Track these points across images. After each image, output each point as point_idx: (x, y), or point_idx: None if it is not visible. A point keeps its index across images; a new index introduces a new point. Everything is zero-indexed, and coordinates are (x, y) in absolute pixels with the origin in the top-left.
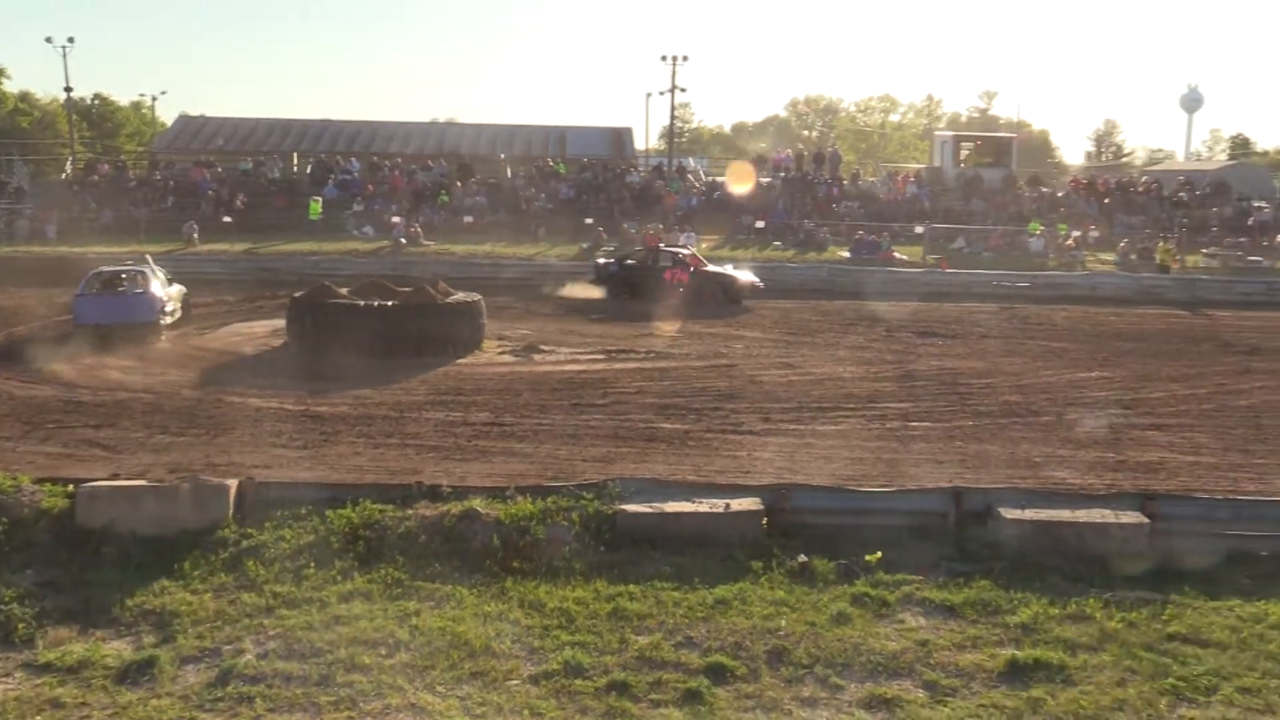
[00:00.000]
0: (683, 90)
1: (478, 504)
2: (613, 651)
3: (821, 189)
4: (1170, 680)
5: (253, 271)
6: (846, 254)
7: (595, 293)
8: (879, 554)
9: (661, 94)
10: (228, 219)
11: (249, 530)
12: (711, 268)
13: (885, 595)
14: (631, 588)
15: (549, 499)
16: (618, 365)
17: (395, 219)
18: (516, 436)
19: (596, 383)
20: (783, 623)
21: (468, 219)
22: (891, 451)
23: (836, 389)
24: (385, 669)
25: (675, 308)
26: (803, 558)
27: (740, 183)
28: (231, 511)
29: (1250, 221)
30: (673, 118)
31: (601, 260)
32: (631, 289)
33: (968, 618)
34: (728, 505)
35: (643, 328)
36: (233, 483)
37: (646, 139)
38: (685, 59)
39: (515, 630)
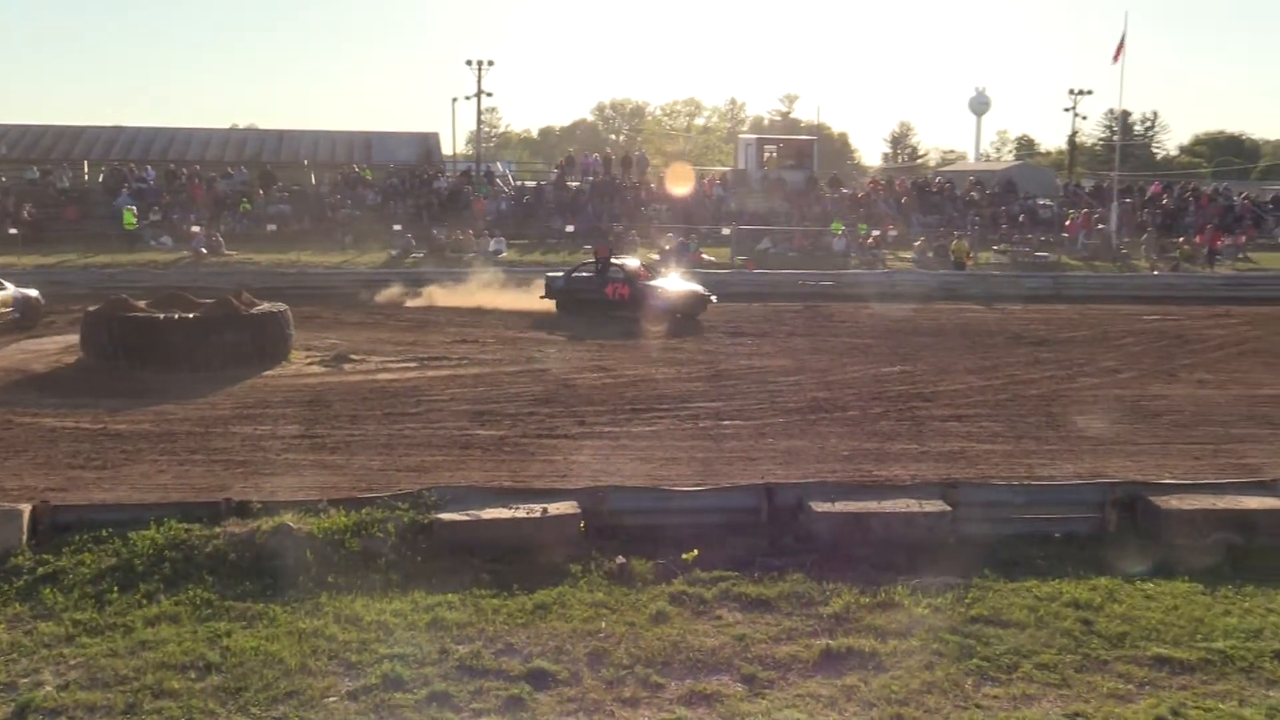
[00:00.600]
0: (489, 95)
1: (289, 519)
2: (433, 662)
3: (629, 192)
4: (975, 661)
5: (43, 286)
6: (656, 257)
7: (537, 305)
8: (695, 552)
9: (468, 99)
10: (13, 230)
11: (45, 556)
12: (656, 281)
13: (703, 593)
14: (450, 597)
15: (363, 511)
16: (430, 373)
17: (195, 228)
18: (328, 448)
19: (409, 391)
20: (603, 624)
21: (271, 227)
22: (705, 450)
23: (649, 390)
24: (195, 693)
25: (621, 326)
26: (621, 559)
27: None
28: (26, 538)
29: (1020, 218)
30: (480, 123)
31: (551, 273)
32: (579, 304)
33: (783, 610)
34: (545, 510)
35: (459, 334)
36: (26, 507)
37: (454, 144)
38: (491, 64)
39: (331, 646)
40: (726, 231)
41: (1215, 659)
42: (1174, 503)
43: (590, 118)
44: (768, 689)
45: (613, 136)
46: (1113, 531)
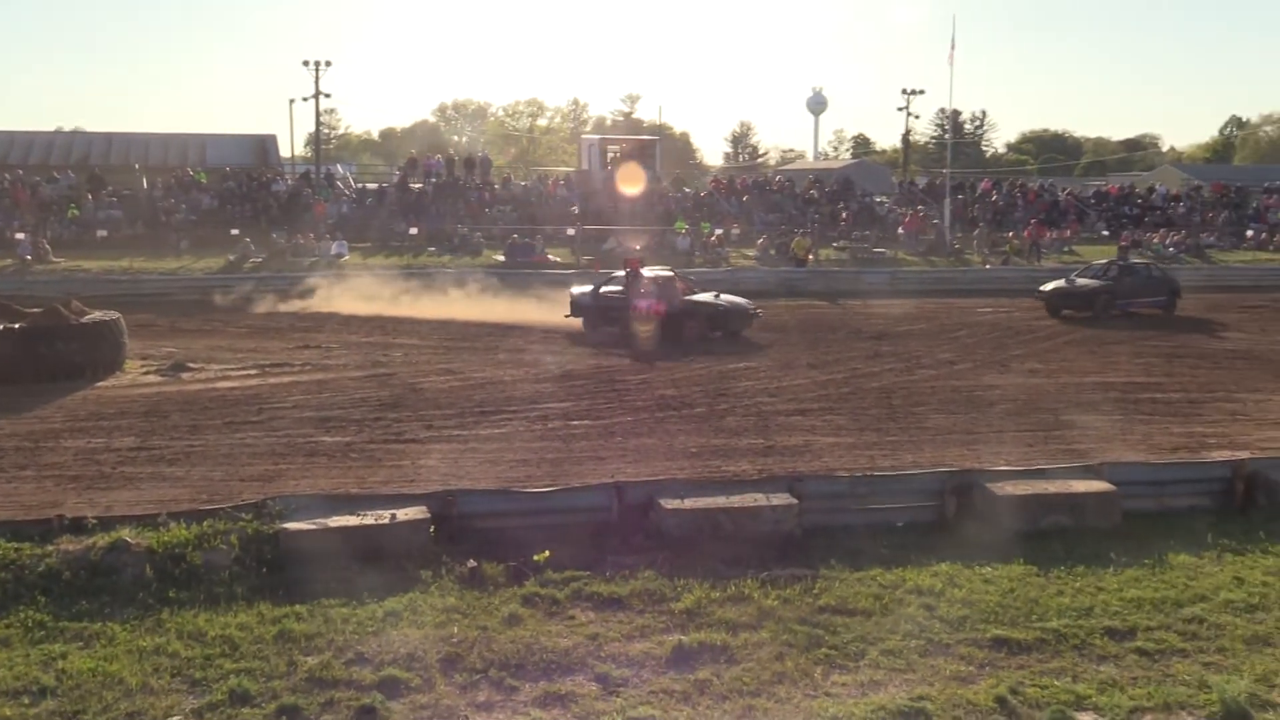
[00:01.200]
0: (328, 96)
1: (126, 534)
2: (281, 675)
3: (473, 193)
4: (823, 650)
5: None
6: (501, 257)
7: (563, 322)
8: (547, 553)
9: (306, 100)
10: None
11: None
12: (699, 295)
13: (555, 593)
14: (298, 608)
15: (205, 523)
16: (273, 380)
17: (20, 235)
18: (166, 460)
19: (251, 399)
20: (455, 630)
21: (101, 233)
22: (555, 451)
23: (498, 392)
24: (29, 719)
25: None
26: (472, 563)
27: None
28: None
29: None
30: (318, 124)
31: (576, 290)
32: (610, 321)
33: (635, 608)
34: (394, 515)
35: (302, 339)
36: None
37: (292, 146)
38: (329, 64)
39: (174, 664)
40: (571, 232)
41: (1050, 638)
42: (1008, 488)
43: (432, 119)
44: (622, 687)
45: (455, 137)
46: (952, 518)
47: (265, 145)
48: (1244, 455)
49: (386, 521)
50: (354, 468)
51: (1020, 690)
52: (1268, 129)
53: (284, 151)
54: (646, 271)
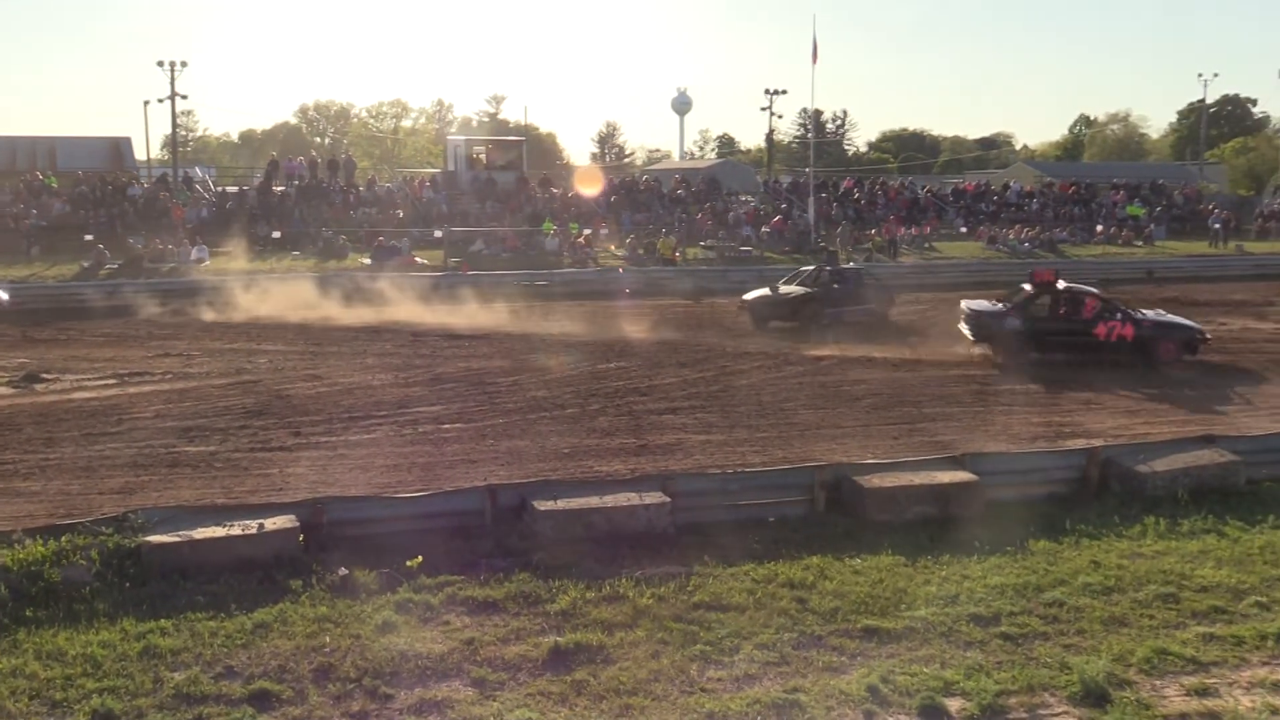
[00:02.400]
0: (184, 97)
1: None
2: (146, 693)
3: (337, 196)
4: (699, 646)
5: None
6: (368, 261)
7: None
8: (420, 558)
9: (161, 101)
10: None
11: None
12: (1161, 316)
13: (429, 599)
14: (163, 623)
15: (63, 539)
16: (132, 389)
17: None
18: (20, 475)
19: (109, 410)
20: (327, 639)
21: None
22: (426, 455)
23: (367, 397)
24: None
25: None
26: (343, 570)
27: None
28: None
29: (730, 216)
30: (175, 126)
31: (976, 305)
32: (1051, 348)
33: (510, 611)
34: (261, 525)
35: (162, 348)
36: None
37: (148, 149)
38: (185, 65)
39: (33, 685)
40: (439, 234)
41: (918, 626)
42: (875, 481)
43: (294, 120)
44: (498, 690)
45: (318, 139)
46: (822, 512)
47: (120, 148)
48: (1098, 443)
49: (254, 532)
50: (219, 478)
51: (891, 678)
52: (1114, 127)
53: (139, 154)
54: (1070, 288)
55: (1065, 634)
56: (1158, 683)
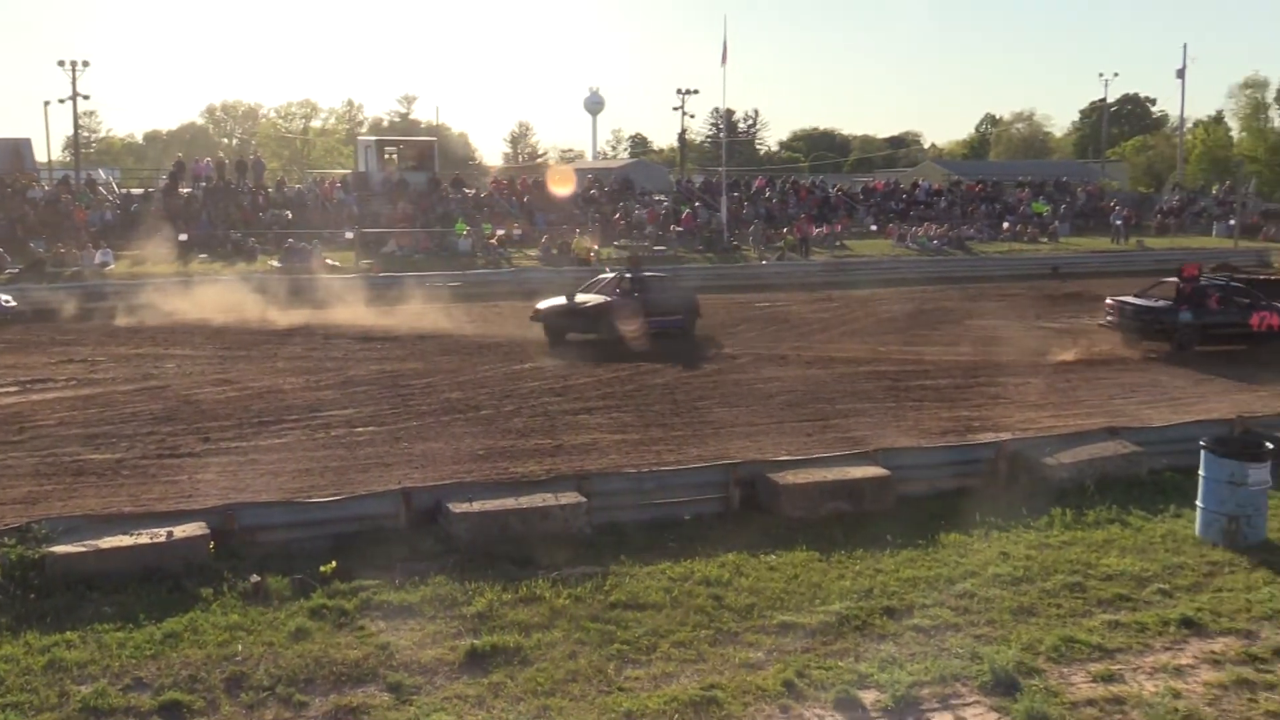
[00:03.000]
0: (86, 98)
1: None
2: (51, 707)
3: (246, 198)
4: (616, 646)
5: None
6: (277, 263)
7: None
8: (334, 563)
9: (62, 102)
10: None
11: None
12: None
13: (344, 604)
14: (69, 635)
15: None
16: (35, 396)
17: None
18: None
19: (10, 418)
20: (239, 647)
21: None
22: (339, 459)
23: (277, 401)
24: None
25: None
26: (256, 577)
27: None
28: None
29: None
30: (76, 127)
31: (1129, 299)
32: (1214, 339)
33: (426, 615)
34: (170, 533)
35: (65, 353)
36: None
37: (49, 151)
38: (86, 64)
39: None
40: (350, 235)
41: (833, 620)
42: (789, 478)
43: (200, 120)
44: (415, 695)
45: (225, 140)
46: (737, 509)
47: (19, 149)
48: (1006, 437)
49: (163, 540)
50: (126, 486)
51: (806, 673)
52: (1019, 126)
53: (40, 156)
54: (1224, 281)
55: (976, 625)
56: (1065, 670)
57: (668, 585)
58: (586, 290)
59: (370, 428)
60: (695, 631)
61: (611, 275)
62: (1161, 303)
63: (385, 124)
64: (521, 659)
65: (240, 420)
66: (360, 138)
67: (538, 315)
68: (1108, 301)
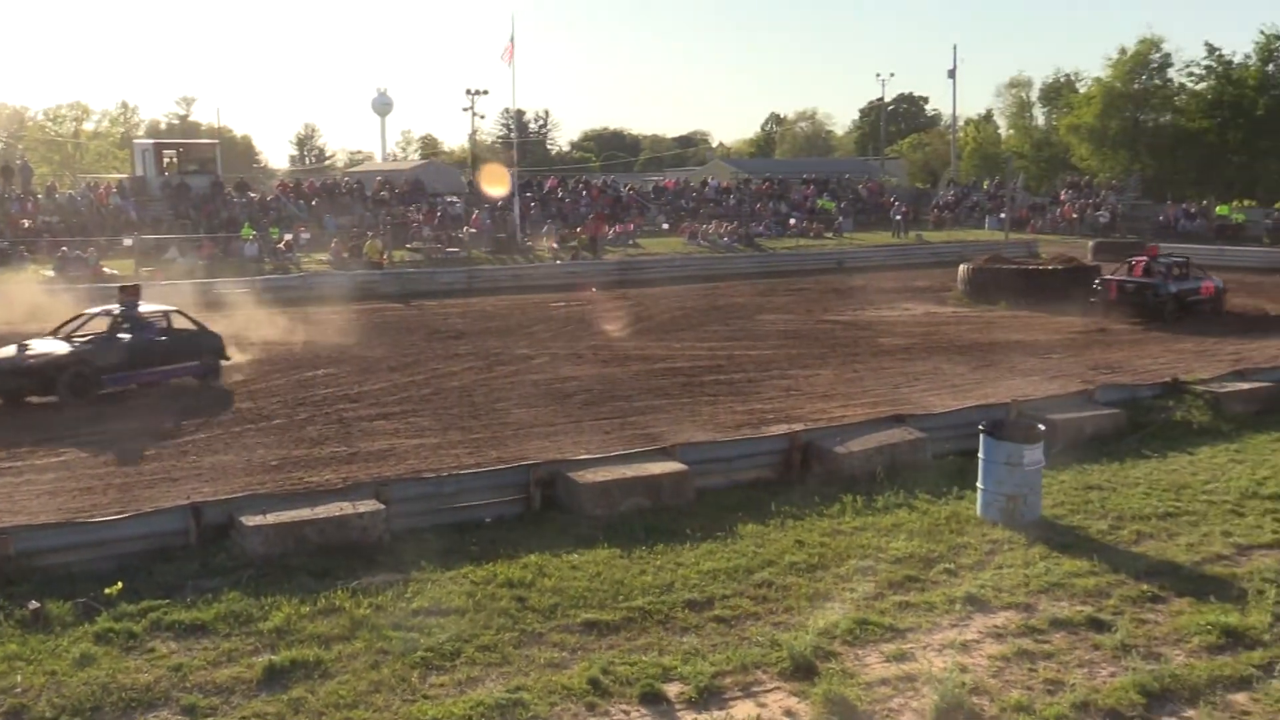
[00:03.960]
0: None
1: None
2: None
3: (13, 204)
4: (420, 653)
5: None
6: (50, 272)
7: None
8: (120, 585)
9: None
10: None
11: None
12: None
13: (131, 627)
14: None
15: None
16: None
17: None
18: None
19: None
20: (19, 679)
21: None
22: (123, 476)
23: (52, 416)
24: None
25: None
26: (35, 604)
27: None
28: None
29: (439, 214)
30: None
31: (1146, 280)
32: (1186, 308)
33: (221, 633)
34: None
35: None
36: None
37: None
38: None
39: None
40: (129, 243)
41: (636, 616)
42: (589, 476)
43: None
44: (210, 716)
45: None
46: (538, 510)
47: None
48: (798, 427)
49: None
50: None
51: (611, 670)
52: (803, 125)
53: None
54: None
55: (775, 612)
56: (860, 652)
57: (470, 589)
58: (65, 333)
59: (155, 441)
60: (499, 635)
61: (98, 312)
62: (1146, 279)
63: (163, 126)
64: (322, 672)
65: (11, 439)
66: (137, 141)
67: None
68: (1097, 283)
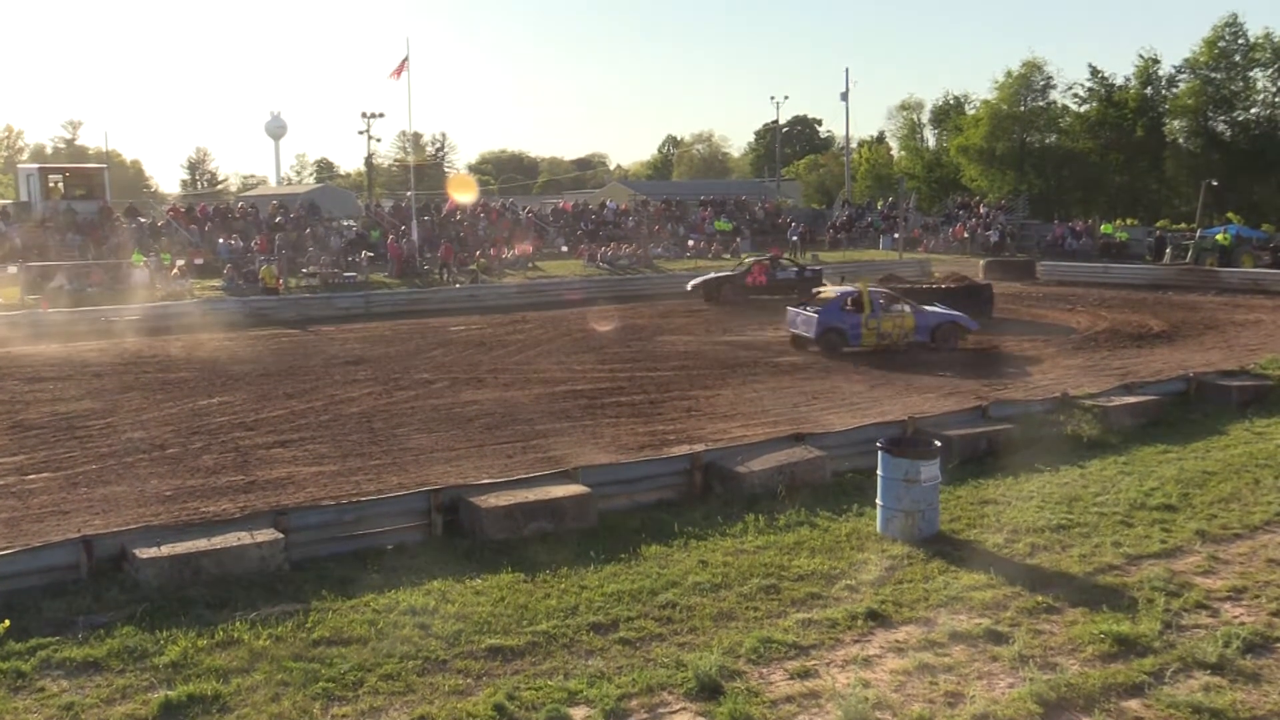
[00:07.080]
0: None
1: None
2: None
3: None
4: (321, 684)
5: None
6: None
7: None
8: (7, 622)
9: None
10: None
11: None
12: None
13: (20, 665)
14: None
15: None
16: None
17: None
18: None
19: None
20: None
21: None
22: (9, 510)
23: None
24: None
25: None
26: None
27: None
28: None
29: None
30: None
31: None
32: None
33: (114, 669)
34: None
35: None
36: None
37: None
38: None
39: None
40: (13, 270)
41: (541, 640)
42: (492, 501)
43: None
44: None
45: None
46: (440, 535)
47: None
48: (700, 448)
49: None
50: None
51: (517, 695)
52: (699, 147)
53: None
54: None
55: (679, 633)
56: (765, 670)
57: (372, 618)
58: None
59: (44, 474)
60: (402, 663)
61: None
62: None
63: (49, 151)
64: (220, 706)
65: None
66: (21, 165)
67: None
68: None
